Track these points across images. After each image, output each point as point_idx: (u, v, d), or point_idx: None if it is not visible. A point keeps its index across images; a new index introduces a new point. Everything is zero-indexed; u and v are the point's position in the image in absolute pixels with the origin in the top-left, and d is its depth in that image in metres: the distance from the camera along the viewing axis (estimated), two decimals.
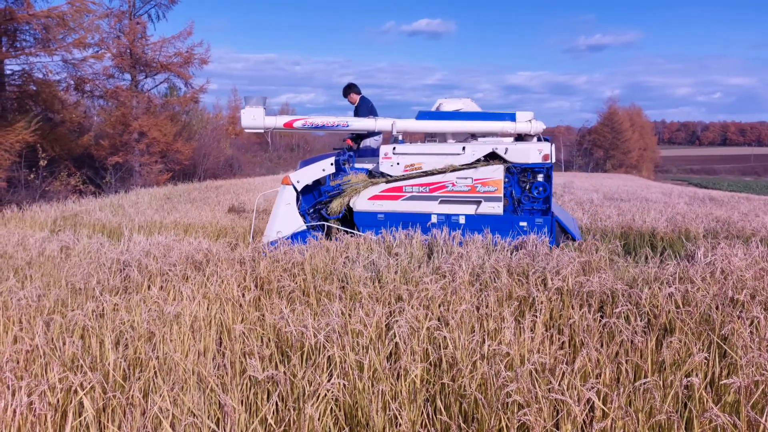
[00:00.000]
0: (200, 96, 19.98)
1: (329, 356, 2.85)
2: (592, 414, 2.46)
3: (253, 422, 2.39)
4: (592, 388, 2.42)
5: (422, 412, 2.55)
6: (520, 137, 6.55)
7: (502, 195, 6.13)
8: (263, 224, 7.19)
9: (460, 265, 4.42)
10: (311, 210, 6.74)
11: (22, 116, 12.55)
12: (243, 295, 4.02)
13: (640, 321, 3.33)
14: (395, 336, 3.03)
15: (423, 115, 6.54)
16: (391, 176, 6.35)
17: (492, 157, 6.22)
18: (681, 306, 3.50)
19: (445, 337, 2.96)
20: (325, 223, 6.53)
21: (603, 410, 2.41)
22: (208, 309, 3.63)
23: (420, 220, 6.25)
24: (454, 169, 6.20)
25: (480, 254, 4.88)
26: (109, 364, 2.75)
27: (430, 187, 6.24)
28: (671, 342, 2.96)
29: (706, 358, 2.81)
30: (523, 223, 6.12)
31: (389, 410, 2.47)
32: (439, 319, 3.38)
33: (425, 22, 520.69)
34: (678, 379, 2.57)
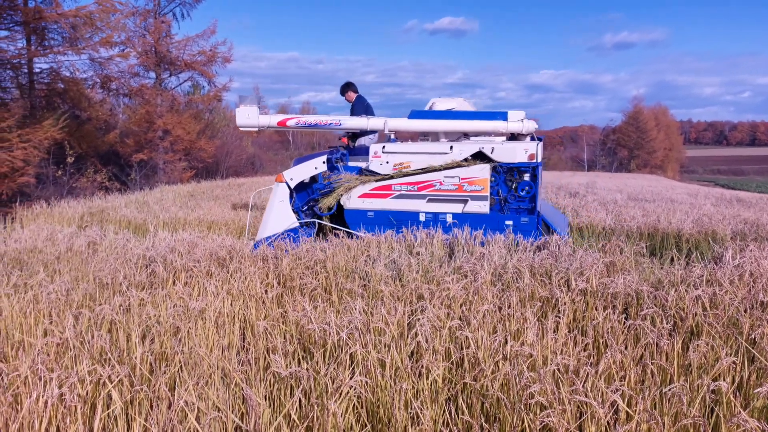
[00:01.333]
0: (223, 94, 20.21)
1: (351, 354, 2.87)
2: (616, 416, 2.44)
3: (276, 418, 2.42)
4: (617, 390, 2.40)
5: (444, 411, 2.55)
6: (513, 137, 6.52)
7: (488, 194, 6.12)
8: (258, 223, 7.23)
9: (482, 264, 4.40)
10: (305, 207, 6.79)
11: (50, 114, 12.81)
12: (266, 291, 4.06)
13: (666, 323, 3.28)
14: (417, 335, 3.03)
15: (415, 114, 6.53)
16: (380, 174, 6.36)
17: (479, 157, 6.20)
18: (708, 309, 3.44)
19: (467, 336, 2.95)
20: (318, 221, 6.58)
21: (627, 413, 2.38)
22: (231, 305, 3.68)
23: (409, 219, 6.26)
24: (442, 168, 6.18)
25: (502, 254, 4.86)
26: (136, 358, 2.80)
27: (418, 185, 6.24)
28: (698, 345, 2.91)
29: (734, 362, 2.76)
30: (509, 222, 6.11)
31: (411, 408, 2.47)
32: (460, 319, 3.37)
33: (448, 20, 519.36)
34: (705, 383, 2.53)
